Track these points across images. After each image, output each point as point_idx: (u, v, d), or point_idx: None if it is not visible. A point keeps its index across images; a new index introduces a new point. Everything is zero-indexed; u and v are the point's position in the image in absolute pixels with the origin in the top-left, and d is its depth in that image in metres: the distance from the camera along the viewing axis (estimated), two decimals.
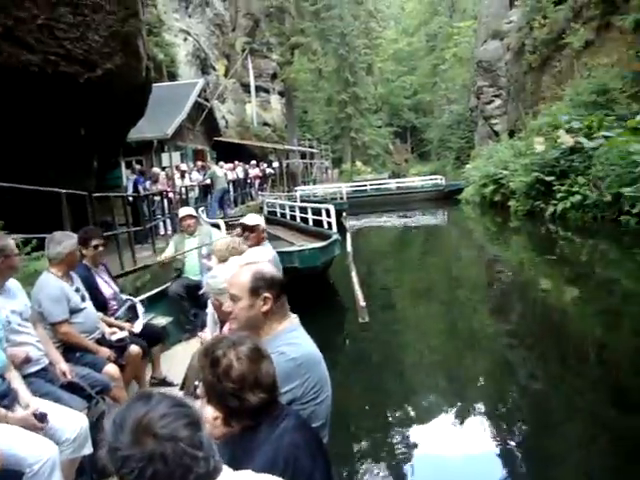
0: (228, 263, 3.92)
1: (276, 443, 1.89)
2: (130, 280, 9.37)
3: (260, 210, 20.75)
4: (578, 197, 16.33)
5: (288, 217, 18.35)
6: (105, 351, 4.41)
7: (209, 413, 1.88)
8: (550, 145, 18.65)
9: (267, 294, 2.45)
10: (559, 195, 17.32)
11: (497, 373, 7.38)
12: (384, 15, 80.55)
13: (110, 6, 9.97)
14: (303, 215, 16.62)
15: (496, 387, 6.85)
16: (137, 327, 5.11)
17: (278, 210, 20.06)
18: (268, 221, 19.62)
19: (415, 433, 5.57)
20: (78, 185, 9.48)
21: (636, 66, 13.74)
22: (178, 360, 5.47)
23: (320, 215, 14.57)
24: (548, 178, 18.15)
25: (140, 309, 5.41)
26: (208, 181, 19.58)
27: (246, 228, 5.49)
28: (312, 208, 16.01)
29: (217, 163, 24.67)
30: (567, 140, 17.15)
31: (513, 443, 5.26)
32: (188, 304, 6.82)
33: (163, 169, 19.14)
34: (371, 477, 4.83)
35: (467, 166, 32.61)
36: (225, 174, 21.46)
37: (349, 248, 11.97)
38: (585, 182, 16.10)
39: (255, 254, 4.10)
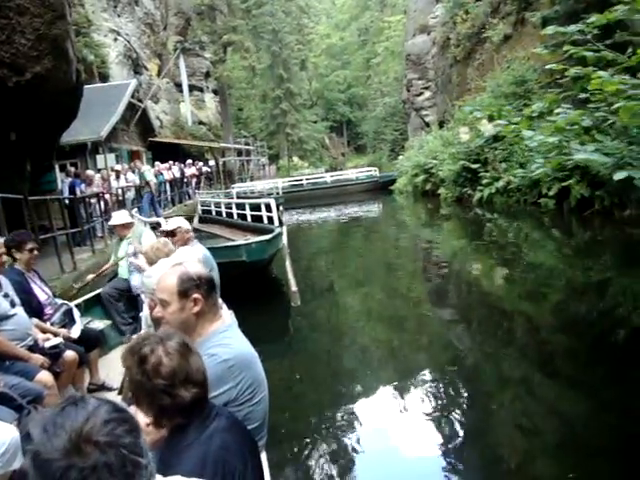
0: (158, 264, 3.92)
1: (206, 445, 1.83)
2: (71, 279, 9.55)
3: (207, 206, 20.82)
4: (502, 182, 17.19)
5: (224, 215, 18.11)
6: (37, 358, 4.21)
7: (141, 420, 1.82)
8: (475, 134, 19.54)
9: (196, 295, 2.39)
10: (485, 181, 18.21)
11: (433, 354, 7.58)
12: (316, 10, 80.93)
13: (36, 9, 10.02)
14: (240, 212, 16.45)
15: (432, 368, 6.95)
16: (74, 332, 4.97)
17: (213, 208, 19.81)
18: (203, 220, 19.83)
19: (353, 428, 5.41)
20: (12, 189, 9.54)
21: (546, 59, 14.49)
22: (117, 364, 5.14)
23: (259, 210, 14.49)
24: (474, 166, 19.05)
25: (76, 314, 5.24)
26: (138, 181, 19.58)
27: (167, 234, 5.47)
28: (250, 204, 15.92)
29: (153, 163, 24.71)
30: (488, 129, 18.00)
31: (455, 429, 5.24)
32: (122, 305, 6.69)
33: (98, 171, 19.11)
34: None
35: (400, 157, 33.51)
36: (156, 174, 21.60)
37: (284, 240, 12.35)
38: (507, 168, 16.99)
39: (183, 254, 4.02)
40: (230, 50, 46.50)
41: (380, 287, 11.68)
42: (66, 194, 14.74)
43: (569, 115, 8.77)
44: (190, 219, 16.93)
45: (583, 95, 10.25)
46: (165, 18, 42.86)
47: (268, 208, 13.87)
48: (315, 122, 72.16)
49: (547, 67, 11.24)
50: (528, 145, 14.66)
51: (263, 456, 2.44)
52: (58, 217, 11.51)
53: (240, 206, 16.72)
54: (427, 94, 38.25)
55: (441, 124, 30.10)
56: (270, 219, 13.56)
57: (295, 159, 64.37)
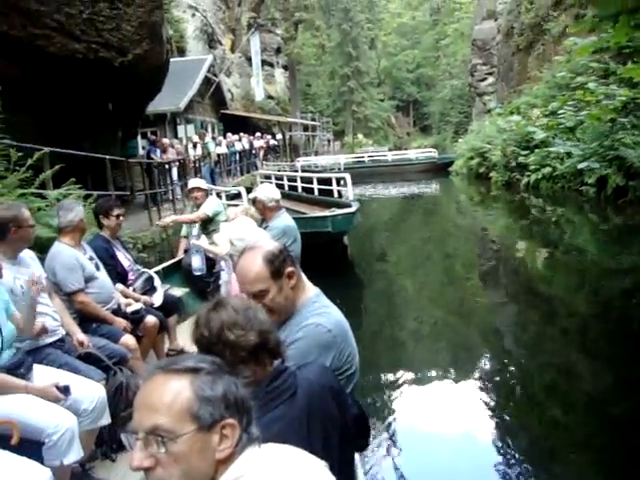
0: (236, 223, 4.03)
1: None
2: (158, 232, 11.29)
3: (268, 178, 20.32)
4: (548, 169, 18.15)
5: (287, 188, 17.41)
6: (121, 321, 4.36)
7: None
8: (526, 122, 20.50)
9: (289, 268, 2.33)
10: (532, 167, 19.20)
11: (479, 330, 8.01)
12: None
13: (140, 0, 11.75)
14: (306, 185, 16.23)
15: (478, 345, 7.37)
16: (157, 300, 5.08)
17: (274, 181, 18.79)
18: None
19: (406, 400, 5.65)
20: (107, 153, 11.23)
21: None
22: None
23: (329, 184, 14.38)
24: (523, 152, 20.07)
25: (157, 281, 5.30)
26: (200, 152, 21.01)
27: (253, 201, 5.40)
28: (319, 178, 15.68)
29: (224, 135, 26.43)
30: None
31: (502, 405, 5.51)
32: (205, 273, 6.63)
33: (177, 139, 20.89)
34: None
35: (460, 140, 34.36)
36: (228, 145, 23.27)
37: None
38: (555, 156, 17.95)
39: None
40: (301, 28, 47.73)
41: (433, 262, 12.70)
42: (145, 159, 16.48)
43: (553, 118, 10.21)
44: (250, 190, 17.98)
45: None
46: None
47: (341, 182, 13.82)
48: (382, 100, 72.74)
49: (559, 74, 12.52)
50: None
51: None
52: (137, 180, 13.15)
53: (305, 179, 16.56)
54: (490, 80, 38.85)
55: None
56: (340, 193, 13.67)
57: (360, 136, 65.20)
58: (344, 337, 2.30)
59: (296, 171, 25.02)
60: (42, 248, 5.15)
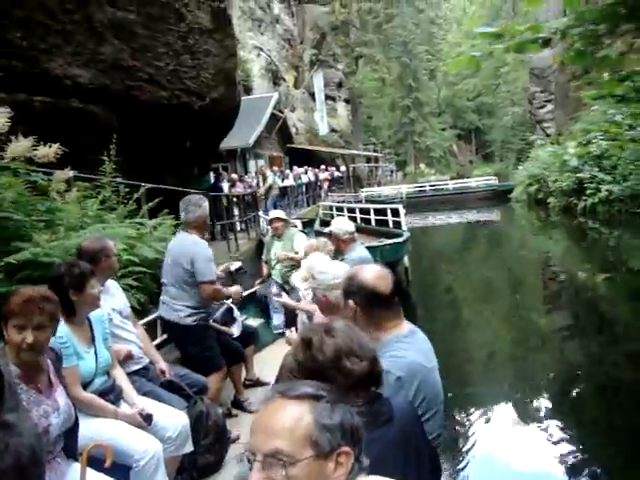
0: (312, 258, 4.02)
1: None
2: (235, 258, 12.45)
3: (330, 210, 21.05)
4: (605, 193, 18.57)
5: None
6: (236, 290, 4.71)
7: None
8: (581, 149, 20.98)
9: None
10: (589, 191, 19.62)
11: (548, 364, 8.01)
12: (447, 18, 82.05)
13: (217, 50, 13.09)
14: (364, 216, 16.69)
15: (547, 380, 7.42)
16: (236, 330, 5.13)
17: (335, 212, 19.22)
18: (323, 224, 20.63)
19: (472, 427, 5.81)
20: (185, 187, 12.54)
21: None
22: (270, 361, 5.31)
23: (384, 215, 14.90)
24: (578, 175, 20.56)
25: (236, 312, 5.31)
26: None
27: (329, 234, 5.48)
28: (375, 209, 16.31)
29: (291, 168, 27.76)
30: None
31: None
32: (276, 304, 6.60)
33: (246, 173, 22.26)
34: None
35: (519, 167, 34.73)
36: (295, 178, 24.48)
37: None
38: (611, 180, 18.34)
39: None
40: (361, 62, 49.20)
41: (494, 287, 13.14)
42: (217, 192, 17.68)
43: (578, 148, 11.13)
44: (312, 221, 18.74)
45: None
46: (302, 33, 46.20)
47: (394, 213, 14.42)
48: (443, 130, 72.99)
49: (594, 107, 13.19)
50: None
51: None
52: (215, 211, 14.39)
53: (364, 210, 17.11)
54: (549, 107, 38.96)
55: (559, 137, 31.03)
56: (396, 224, 14.16)
57: (422, 166, 65.75)
58: (416, 381, 2.26)
59: (360, 201, 26.00)
60: (150, 266, 6.35)
